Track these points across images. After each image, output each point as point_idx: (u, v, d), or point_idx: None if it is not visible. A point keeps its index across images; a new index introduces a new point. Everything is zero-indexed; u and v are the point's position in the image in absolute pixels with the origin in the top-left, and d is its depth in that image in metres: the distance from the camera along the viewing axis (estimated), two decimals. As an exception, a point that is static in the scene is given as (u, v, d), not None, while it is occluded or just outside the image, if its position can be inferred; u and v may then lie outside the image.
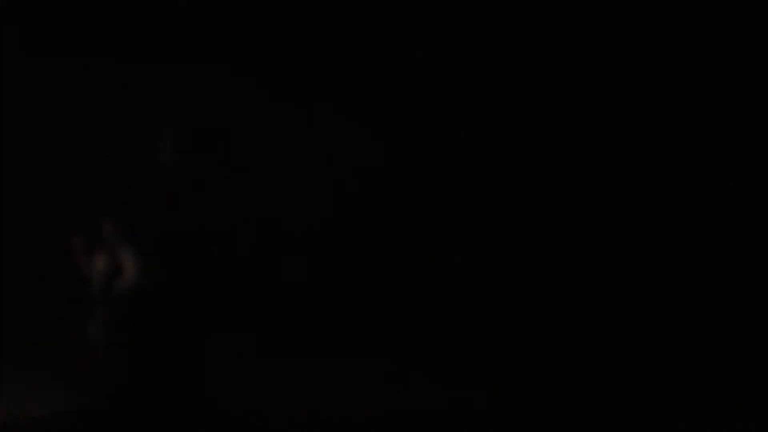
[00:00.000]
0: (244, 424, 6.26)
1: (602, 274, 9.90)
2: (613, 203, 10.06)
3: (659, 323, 9.51)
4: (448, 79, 9.78)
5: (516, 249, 10.14)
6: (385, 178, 10.29)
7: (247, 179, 9.82)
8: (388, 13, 9.27)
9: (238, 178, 9.66)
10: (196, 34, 9.15)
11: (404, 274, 10.26)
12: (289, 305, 9.98)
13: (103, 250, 7.63)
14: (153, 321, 8.95)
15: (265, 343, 9.42)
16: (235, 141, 9.68)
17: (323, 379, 7.99)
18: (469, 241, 10.31)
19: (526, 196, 10.11)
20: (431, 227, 10.37)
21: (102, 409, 6.34)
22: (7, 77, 8.99)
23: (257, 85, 9.40)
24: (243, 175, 9.76)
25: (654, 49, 9.49)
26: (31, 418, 6.00)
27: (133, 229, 8.37)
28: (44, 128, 9.66)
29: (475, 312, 9.87)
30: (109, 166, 9.28)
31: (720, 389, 7.36)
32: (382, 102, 9.94)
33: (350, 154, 10.11)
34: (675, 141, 9.90)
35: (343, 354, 9.10)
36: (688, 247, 9.75)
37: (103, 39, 9.23)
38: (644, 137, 9.98)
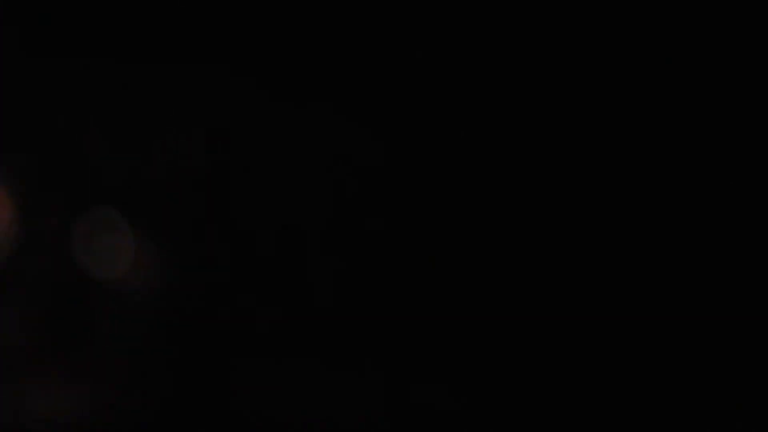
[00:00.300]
0: (262, 425, 6.13)
1: (609, 274, 9.87)
2: (619, 202, 10.04)
3: (663, 323, 9.46)
4: (454, 79, 9.71)
5: (533, 247, 10.03)
6: (401, 179, 10.16)
7: (258, 180, 9.63)
8: (400, 14, 9.18)
9: (249, 180, 9.48)
10: (206, 33, 9.01)
11: (420, 274, 10.11)
12: (305, 307, 9.80)
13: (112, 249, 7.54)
14: (163, 322, 8.80)
15: (280, 345, 9.26)
16: (247, 142, 9.51)
17: (339, 381, 7.87)
18: (486, 241, 10.19)
19: (539, 194, 10.03)
20: (449, 227, 10.24)
21: (126, 410, 6.19)
22: (6, 75, 8.82)
23: (270, 84, 9.26)
24: (255, 176, 9.57)
25: (654, 49, 9.49)
26: (58, 418, 5.88)
27: (137, 230, 8.19)
28: (45, 128, 9.49)
29: (493, 312, 9.74)
30: (111, 166, 9.12)
31: (720, 389, 7.34)
32: (397, 102, 9.84)
33: (364, 154, 9.98)
34: (676, 141, 9.89)
35: (359, 356, 8.98)
36: (697, 247, 9.72)
37: (107, 36, 9.05)
38: (647, 137, 9.97)
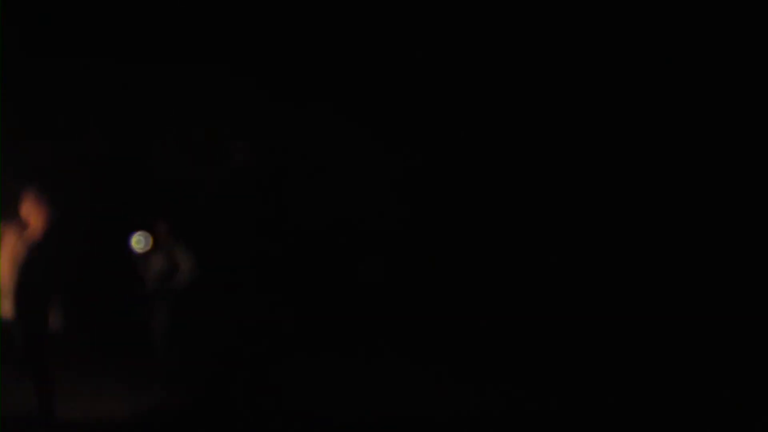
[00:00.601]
0: (316, 421, 6.36)
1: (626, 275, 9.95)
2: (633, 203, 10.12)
3: (681, 324, 9.55)
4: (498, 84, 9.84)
5: (583, 246, 10.13)
6: (455, 182, 10.32)
7: (319, 182, 9.83)
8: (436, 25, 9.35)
9: (310, 181, 9.68)
10: (273, 42, 9.26)
11: (474, 273, 10.25)
12: (364, 305, 9.99)
13: (158, 250, 7.77)
14: (212, 319, 9.05)
15: (338, 342, 9.44)
16: (308, 144, 9.72)
17: (399, 379, 8.08)
18: (550, 241, 10.29)
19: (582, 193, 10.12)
20: (503, 229, 10.37)
21: (170, 408, 6.45)
22: (70, 80, 9.13)
23: (326, 91, 9.48)
24: (315, 177, 9.78)
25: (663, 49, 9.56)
26: (102, 418, 6.16)
27: (193, 230, 8.45)
28: (104, 130, 9.80)
29: (549, 311, 9.86)
30: (169, 167, 9.39)
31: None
32: (449, 108, 9.99)
33: (417, 157, 10.15)
34: (688, 143, 9.96)
35: (418, 354, 9.15)
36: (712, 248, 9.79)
37: (171, 41, 9.34)
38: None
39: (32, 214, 5.67)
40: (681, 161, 9.73)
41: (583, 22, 9.39)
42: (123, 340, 7.84)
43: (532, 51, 9.62)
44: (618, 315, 9.70)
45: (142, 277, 7.91)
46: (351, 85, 9.59)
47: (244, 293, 9.23)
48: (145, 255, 7.88)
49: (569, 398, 7.28)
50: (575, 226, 10.30)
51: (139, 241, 7.64)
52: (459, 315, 9.95)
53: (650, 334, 9.22)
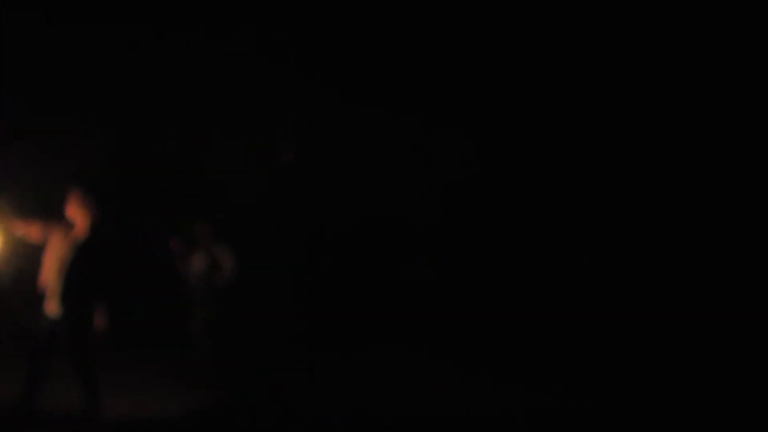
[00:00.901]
0: (359, 420, 6.40)
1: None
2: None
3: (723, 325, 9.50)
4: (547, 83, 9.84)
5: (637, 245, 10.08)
6: (496, 180, 10.31)
7: (362, 180, 9.86)
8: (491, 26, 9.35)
9: (353, 180, 9.71)
10: (315, 40, 9.31)
11: (514, 273, 10.23)
12: (406, 305, 10.01)
13: (199, 249, 7.81)
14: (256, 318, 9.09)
15: (380, 341, 9.47)
16: (351, 143, 9.75)
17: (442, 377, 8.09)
18: (587, 241, 10.25)
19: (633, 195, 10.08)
20: (541, 228, 10.36)
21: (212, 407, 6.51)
22: (113, 78, 9.22)
23: (371, 89, 9.52)
24: (358, 176, 9.80)
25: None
26: (145, 416, 6.26)
27: (238, 230, 8.49)
28: (148, 129, 9.90)
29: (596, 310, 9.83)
30: (215, 167, 9.45)
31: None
32: (493, 106, 10.00)
33: (460, 157, 10.15)
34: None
35: (460, 353, 9.16)
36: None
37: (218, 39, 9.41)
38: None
39: (78, 214, 5.75)
40: (709, 162, 9.68)
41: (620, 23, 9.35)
42: (165, 340, 7.90)
43: (574, 57, 9.58)
44: (652, 315, 9.65)
45: (184, 277, 7.94)
46: (397, 83, 9.59)
47: (287, 293, 9.28)
48: (188, 255, 7.91)
49: (603, 400, 7.25)
50: (609, 226, 10.23)
51: None
52: (498, 316, 9.93)
53: (682, 335, 9.18)
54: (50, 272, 5.69)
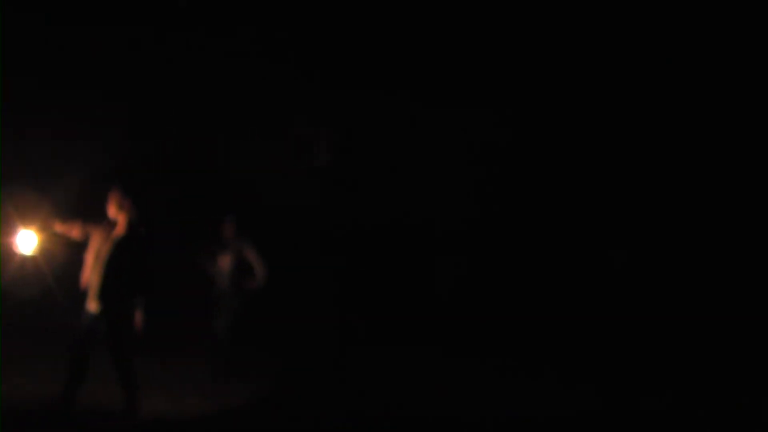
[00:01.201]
0: (391, 419, 6.43)
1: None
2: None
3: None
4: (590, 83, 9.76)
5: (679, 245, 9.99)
6: (532, 179, 10.26)
7: (398, 180, 9.85)
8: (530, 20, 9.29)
9: (389, 179, 9.70)
10: (353, 39, 9.33)
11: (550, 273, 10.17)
12: (442, 305, 9.98)
13: (227, 250, 7.83)
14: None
15: (416, 342, 9.48)
16: (386, 142, 9.74)
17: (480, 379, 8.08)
18: (625, 240, 10.16)
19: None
20: (581, 226, 10.28)
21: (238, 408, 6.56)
22: (147, 78, 9.31)
23: (405, 87, 9.51)
24: (394, 175, 9.79)
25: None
26: (185, 414, 6.32)
27: (271, 229, 8.49)
28: (183, 128, 9.97)
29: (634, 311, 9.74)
30: (248, 167, 9.48)
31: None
32: (529, 104, 9.94)
33: (498, 155, 10.11)
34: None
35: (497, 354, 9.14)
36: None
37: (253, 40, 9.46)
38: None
39: (117, 213, 5.84)
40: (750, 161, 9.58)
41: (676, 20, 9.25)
42: (201, 337, 7.93)
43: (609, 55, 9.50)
44: (695, 316, 9.54)
45: (212, 277, 7.91)
46: (431, 81, 9.55)
47: (322, 293, 9.30)
48: (216, 255, 7.88)
49: (646, 400, 7.20)
50: (651, 226, 10.13)
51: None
52: (532, 315, 9.87)
53: (715, 335, 9.10)
54: (90, 270, 5.79)
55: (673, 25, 9.34)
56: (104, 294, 5.70)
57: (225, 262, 7.81)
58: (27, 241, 5.72)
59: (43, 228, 5.78)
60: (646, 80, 9.67)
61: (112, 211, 5.85)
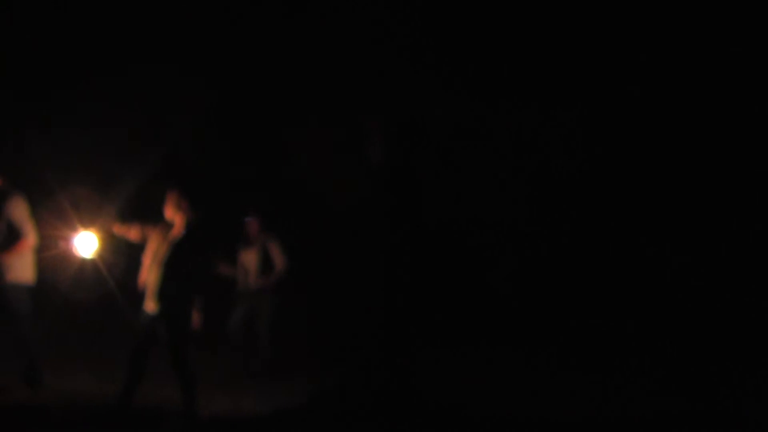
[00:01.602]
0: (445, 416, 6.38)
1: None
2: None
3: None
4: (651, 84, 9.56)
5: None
6: (590, 179, 10.11)
7: (455, 179, 9.79)
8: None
9: (446, 177, 9.65)
10: (418, 33, 9.25)
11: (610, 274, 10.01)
12: (497, 305, 9.90)
13: (250, 247, 7.82)
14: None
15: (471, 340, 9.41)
16: (444, 141, 9.69)
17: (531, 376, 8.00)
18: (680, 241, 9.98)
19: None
20: (640, 226, 10.11)
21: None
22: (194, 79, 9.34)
23: (466, 84, 9.43)
24: (451, 174, 9.73)
25: None
26: (243, 415, 6.36)
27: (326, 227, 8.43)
28: (232, 131, 10.00)
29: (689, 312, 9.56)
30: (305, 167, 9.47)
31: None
32: (589, 105, 9.78)
33: (559, 155, 9.98)
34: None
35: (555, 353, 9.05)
36: None
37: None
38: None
39: (174, 214, 5.87)
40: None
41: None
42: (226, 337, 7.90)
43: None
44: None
45: (234, 274, 7.86)
46: (489, 83, 9.43)
47: (371, 290, 9.24)
48: (245, 251, 7.84)
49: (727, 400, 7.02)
50: (704, 227, 9.89)
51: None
52: (604, 316, 9.72)
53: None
54: (148, 271, 5.84)
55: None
56: (162, 295, 5.74)
57: (251, 259, 7.74)
58: (87, 243, 5.80)
59: (103, 230, 5.85)
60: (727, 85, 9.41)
61: (170, 212, 5.89)
